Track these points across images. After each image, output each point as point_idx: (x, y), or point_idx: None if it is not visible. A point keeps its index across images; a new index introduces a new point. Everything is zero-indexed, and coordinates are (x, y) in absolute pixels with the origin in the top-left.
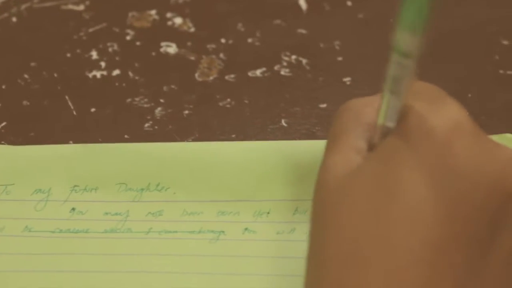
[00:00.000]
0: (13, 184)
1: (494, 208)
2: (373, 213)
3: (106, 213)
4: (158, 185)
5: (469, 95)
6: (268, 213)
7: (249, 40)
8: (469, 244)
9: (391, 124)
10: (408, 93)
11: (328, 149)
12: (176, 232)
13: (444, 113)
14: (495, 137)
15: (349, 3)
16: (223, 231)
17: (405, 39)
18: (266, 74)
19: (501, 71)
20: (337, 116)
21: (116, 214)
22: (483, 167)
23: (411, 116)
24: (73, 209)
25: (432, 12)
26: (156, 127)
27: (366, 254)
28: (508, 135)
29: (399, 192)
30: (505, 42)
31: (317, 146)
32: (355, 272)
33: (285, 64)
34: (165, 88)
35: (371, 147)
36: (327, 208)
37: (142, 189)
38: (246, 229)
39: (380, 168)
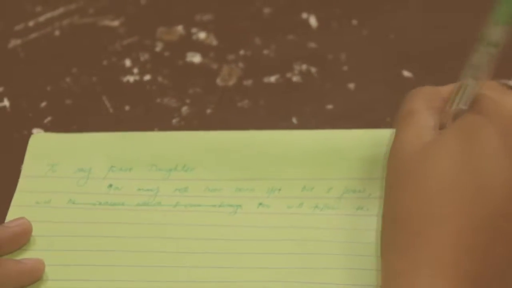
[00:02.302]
0: (59, 163)
1: None
2: (452, 179)
3: (139, 189)
4: (184, 166)
5: None
6: (280, 189)
7: (265, 52)
8: None
9: (463, 107)
10: (487, 79)
11: (401, 125)
12: (200, 205)
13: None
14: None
15: (354, 22)
16: (240, 205)
17: (496, 31)
18: (279, 80)
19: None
20: (407, 98)
21: (148, 190)
22: None
23: (484, 100)
24: (110, 185)
25: None
26: (182, 122)
27: (445, 213)
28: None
29: (477, 161)
30: None
31: (322, 135)
32: (436, 227)
33: (296, 72)
34: (190, 91)
35: (440, 126)
36: (405, 174)
37: (170, 170)
38: (260, 203)
39: (459, 141)
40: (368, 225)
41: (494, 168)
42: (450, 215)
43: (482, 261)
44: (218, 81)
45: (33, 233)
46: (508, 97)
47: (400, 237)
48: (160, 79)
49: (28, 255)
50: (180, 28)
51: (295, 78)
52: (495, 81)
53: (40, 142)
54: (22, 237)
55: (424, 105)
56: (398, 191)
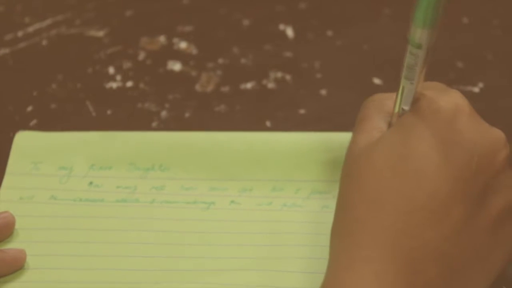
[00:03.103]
0: (42, 162)
1: (487, 176)
2: (391, 170)
3: (118, 187)
4: (161, 165)
5: None
6: (251, 190)
7: (242, 61)
8: (467, 202)
9: (406, 107)
10: (421, 80)
11: (356, 129)
12: (175, 202)
13: (449, 98)
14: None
15: (329, 33)
16: (213, 202)
17: (418, 33)
18: (255, 87)
19: (454, 86)
20: (363, 105)
21: (126, 187)
22: (478, 141)
23: (423, 99)
24: (91, 183)
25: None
26: (161, 125)
27: (383, 199)
28: None
29: (412, 154)
30: (460, 64)
31: (292, 137)
32: (374, 212)
33: (271, 79)
34: (170, 96)
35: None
36: (353, 169)
37: (148, 169)
38: (232, 201)
39: (397, 137)
40: (332, 218)
41: (425, 157)
42: (387, 200)
43: (417, 240)
44: (197, 87)
45: (16, 226)
46: (444, 96)
47: (343, 225)
48: (141, 85)
49: (11, 246)
50: (162, 38)
51: (270, 85)
52: (436, 81)
53: (25, 140)
54: (5, 230)
55: (375, 111)
56: (346, 184)
